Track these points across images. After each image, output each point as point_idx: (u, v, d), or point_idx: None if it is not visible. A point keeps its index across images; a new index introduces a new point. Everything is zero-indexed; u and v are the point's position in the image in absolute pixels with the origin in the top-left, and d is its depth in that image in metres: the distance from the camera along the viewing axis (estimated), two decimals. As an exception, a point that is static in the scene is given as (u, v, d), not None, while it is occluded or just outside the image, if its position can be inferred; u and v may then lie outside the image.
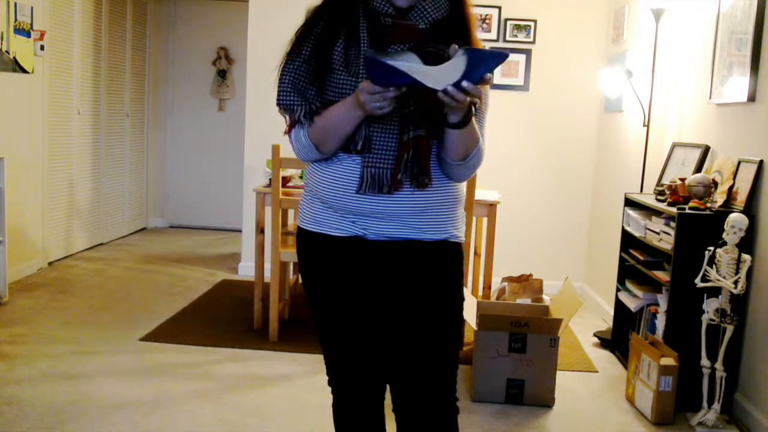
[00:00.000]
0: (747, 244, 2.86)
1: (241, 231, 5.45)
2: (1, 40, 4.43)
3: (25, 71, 4.70)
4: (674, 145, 3.68)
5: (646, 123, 3.94)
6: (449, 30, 1.60)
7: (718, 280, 2.79)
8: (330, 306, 1.72)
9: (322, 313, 1.74)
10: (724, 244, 2.79)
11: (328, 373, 1.80)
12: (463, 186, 1.72)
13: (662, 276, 3.22)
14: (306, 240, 1.71)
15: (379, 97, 1.45)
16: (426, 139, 1.55)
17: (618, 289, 3.76)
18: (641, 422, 3.01)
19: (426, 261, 1.63)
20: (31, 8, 4.73)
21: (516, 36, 4.98)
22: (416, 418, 1.68)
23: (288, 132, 1.66)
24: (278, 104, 1.63)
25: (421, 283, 1.64)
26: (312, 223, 1.68)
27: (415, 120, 1.55)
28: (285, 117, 1.66)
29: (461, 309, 1.71)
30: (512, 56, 4.99)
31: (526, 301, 3.76)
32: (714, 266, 2.82)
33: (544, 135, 5.09)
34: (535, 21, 4.98)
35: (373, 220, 1.60)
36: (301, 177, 4.13)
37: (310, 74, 1.61)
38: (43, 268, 5.11)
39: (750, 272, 2.86)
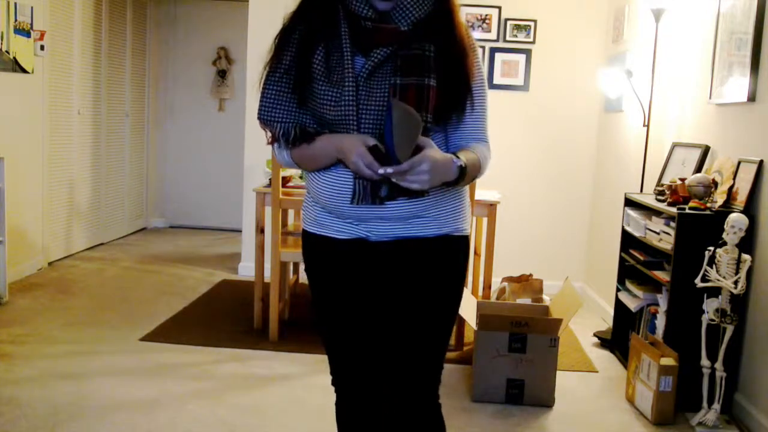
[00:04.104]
0: (747, 244, 2.86)
1: (241, 231, 5.45)
2: (1, 40, 4.43)
3: (25, 71, 4.70)
4: (674, 145, 3.68)
5: (646, 123, 3.94)
6: (433, 27, 1.57)
7: (718, 280, 2.79)
8: (334, 306, 1.71)
9: (327, 313, 1.74)
10: (724, 244, 2.79)
11: (331, 373, 1.80)
12: None
13: (662, 276, 3.22)
14: (310, 242, 1.72)
15: (366, 166, 1.46)
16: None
17: (618, 289, 3.76)
18: (641, 422, 3.01)
19: (427, 257, 1.63)
20: (31, 8, 4.73)
21: (516, 36, 4.98)
22: (396, 410, 1.67)
23: (270, 143, 1.65)
24: (259, 119, 1.62)
25: (420, 279, 1.64)
26: (315, 226, 1.69)
27: None
28: (265, 131, 1.64)
29: (456, 304, 1.70)
30: (512, 56, 4.99)
31: (526, 301, 3.76)
32: (714, 266, 2.82)
33: (544, 135, 5.09)
34: (535, 21, 4.98)
35: (375, 223, 1.60)
36: (301, 177, 4.13)
37: (292, 85, 1.58)
38: (43, 268, 5.11)
39: (750, 272, 2.86)
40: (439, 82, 1.56)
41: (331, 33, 1.57)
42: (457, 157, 1.54)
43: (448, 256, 1.65)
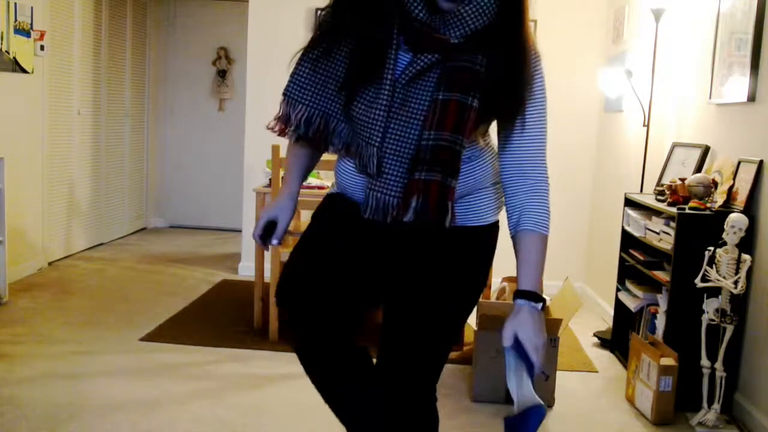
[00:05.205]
0: (747, 244, 2.86)
1: (241, 231, 5.45)
2: (1, 40, 4.43)
3: (25, 71, 4.70)
4: (674, 145, 3.68)
5: (646, 123, 3.94)
6: (491, 38, 1.43)
7: (718, 280, 2.79)
8: (327, 245, 1.66)
9: (315, 243, 1.69)
10: (724, 244, 2.79)
11: (279, 301, 1.80)
12: (487, 173, 1.59)
13: (662, 276, 3.22)
14: (331, 197, 1.70)
15: (254, 233, 1.69)
16: (438, 185, 1.41)
17: (618, 289, 3.76)
18: (641, 422, 3.01)
19: (439, 247, 1.56)
20: (31, 8, 4.73)
21: (516, 36, 4.97)
22: (393, 400, 1.62)
23: (275, 129, 1.53)
24: (284, 95, 1.48)
25: (433, 268, 1.57)
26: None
27: (432, 155, 1.40)
28: (283, 107, 1.50)
29: (468, 298, 1.63)
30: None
31: (526, 301, 3.75)
32: (714, 266, 2.82)
33: (544, 135, 5.08)
34: (535, 21, 4.98)
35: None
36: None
37: (340, 80, 1.45)
38: (43, 268, 5.11)
39: (750, 272, 2.86)
40: (482, 98, 1.43)
41: (381, 24, 1.44)
42: (535, 297, 1.54)
43: (461, 246, 1.57)
